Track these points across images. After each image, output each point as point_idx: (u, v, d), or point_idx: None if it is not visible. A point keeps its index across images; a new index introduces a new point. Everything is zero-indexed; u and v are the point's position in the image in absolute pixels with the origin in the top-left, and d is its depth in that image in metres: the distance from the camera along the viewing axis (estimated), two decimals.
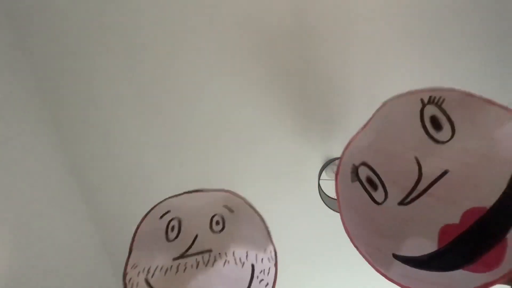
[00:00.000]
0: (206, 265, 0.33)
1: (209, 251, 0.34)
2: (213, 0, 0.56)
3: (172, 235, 0.35)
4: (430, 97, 0.32)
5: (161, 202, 0.35)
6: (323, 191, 0.61)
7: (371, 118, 0.35)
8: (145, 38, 0.59)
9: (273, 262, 0.35)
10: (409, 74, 0.56)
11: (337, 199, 0.35)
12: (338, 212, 0.34)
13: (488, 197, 0.28)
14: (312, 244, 0.64)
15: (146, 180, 0.65)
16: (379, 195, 0.34)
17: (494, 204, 0.28)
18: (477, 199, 0.29)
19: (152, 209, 0.35)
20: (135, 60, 0.60)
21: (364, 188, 0.35)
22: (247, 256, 0.34)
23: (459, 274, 0.28)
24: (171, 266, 0.33)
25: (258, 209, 0.37)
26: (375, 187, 0.35)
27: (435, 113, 0.32)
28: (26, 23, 0.59)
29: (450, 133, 0.31)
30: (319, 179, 0.61)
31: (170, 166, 0.65)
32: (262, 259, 0.35)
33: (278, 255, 0.36)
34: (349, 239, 0.33)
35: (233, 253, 0.34)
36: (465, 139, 0.31)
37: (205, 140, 0.63)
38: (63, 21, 0.59)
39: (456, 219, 0.30)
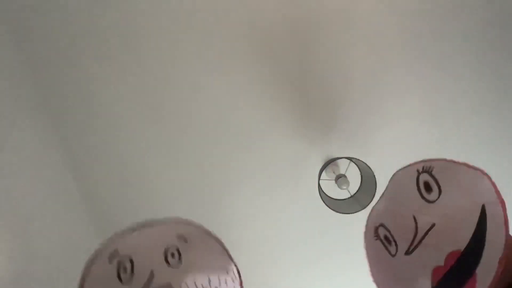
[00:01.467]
0: None
1: (169, 285, 0.32)
2: (214, 2, 0.56)
3: (125, 276, 0.32)
4: (423, 167, 0.41)
5: (106, 243, 0.33)
6: (323, 191, 0.60)
7: (386, 188, 0.46)
8: (145, 38, 0.59)
9: (238, 282, 0.35)
10: (409, 74, 0.56)
11: (366, 254, 0.45)
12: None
13: (462, 241, 0.35)
14: (312, 244, 0.64)
15: (146, 180, 0.65)
16: (392, 248, 0.42)
17: (466, 247, 0.35)
18: (455, 244, 0.36)
19: (98, 251, 0.33)
20: (135, 60, 0.60)
21: (383, 244, 0.44)
22: (209, 282, 0.34)
23: None
24: None
25: (215, 233, 0.36)
26: (389, 243, 0.43)
27: (427, 179, 0.41)
28: (26, 25, 0.59)
29: (437, 194, 0.39)
30: (319, 179, 0.61)
31: (171, 167, 0.64)
32: (225, 280, 0.35)
33: (242, 272, 0.35)
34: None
35: (195, 282, 0.33)
36: (448, 197, 0.38)
37: (205, 140, 0.63)
38: (64, 22, 0.59)
39: (441, 262, 0.36)
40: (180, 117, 0.63)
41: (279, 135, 0.63)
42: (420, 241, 0.39)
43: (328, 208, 0.64)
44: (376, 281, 0.43)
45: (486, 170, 0.36)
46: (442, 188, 0.40)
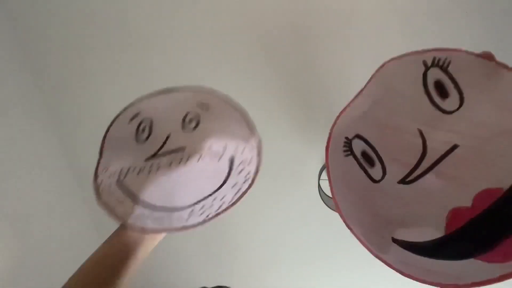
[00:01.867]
0: (179, 163, 0.31)
1: (182, 148, 0.32)
2: (214, 2, 0.56)
3: (142, 136, 0.33)
4: (434, 58, 0.27)
5: (130, 105, 0.33)
6: (323, 191, 0.60)
7: (367, 83, 0.31)
8: (145, 37, 0.59)
9: (256, 151, 0.33)
10: None
11: (328, 176, 0.30)
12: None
13: (504, 177, 0.25)
14: (312, 244, 0.64)
15: None
16: (376, 172, 0.30)
17: None
18: (492, 179, 0.25)
19: (121, 112, 0.33)
20: (135, 60, 0.60)
21: (359, 164, 0.31)
22: (225, 148, 0.33)
23: (471, 264, 0.25)
24: (144, 167, 0.31)
25: (240, 105, 0.33)
26: (371, 163, 0.30)
27: (440, 78, 0.27)
28: (25, 18, 0.59)
29: (458, 102, 0.27)
30: (319, 179, 0.61)
31: None
32: (243, 149, 0.33)
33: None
34: (348, 230, 0.28)
35: (209, 147, 0.32)
36: (476, 108, 0.26)
37: None
38: (64, 17, 0.59)
39: (467, 202, 0.26)
40: None
41: (279, 135, 0.63)
42: (430, 167, 0.28)
43: (328, 208, 0.64)
44: (344, 213, 0.29)
45: None
46: (464, 93, 0.27)
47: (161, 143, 0.32)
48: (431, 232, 0.27)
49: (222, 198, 0.32)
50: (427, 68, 0.28)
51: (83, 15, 0.59)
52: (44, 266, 0.55)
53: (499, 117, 0.26)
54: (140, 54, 0.60)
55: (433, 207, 0.27)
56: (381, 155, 0.30)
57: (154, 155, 0.32)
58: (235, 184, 0.33)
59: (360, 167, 0.31)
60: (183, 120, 0.34)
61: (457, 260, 0.25)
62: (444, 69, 0.27)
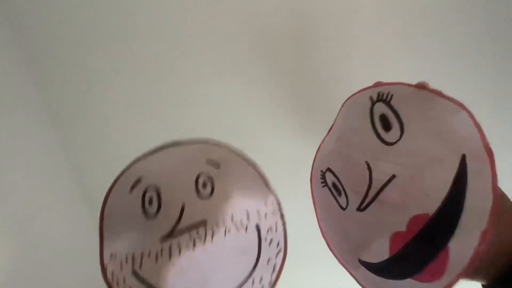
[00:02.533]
0: (204, 242, 0.26)
1: (204, 222, 0.27)
2: (213, 2, 0.57)
3: (151, 209, 0.27)
4: (378, 93, 0.31)
5: (127, 168, 0.28)
6: None
7: (334, 123, 0.35)
8: (147, 40, 0.60)
9: (278, 215, 0.30)
10: (410, 74, 0.57)
11: (313, 203, 0.36)
12: None
13: (431, 203, 0.27)
14: (312, 243, 0.64)
15: None
16: (343, 200, 0.34)
17: (436, 211, 0.26)
18: (422, 206, 0.27)
19: (117, 179, 0.28)
20: (135, 59, 0.61)
21: (331, 194, 0.35)
22: (248, 216, 0.28)
23: (409, 283, 0.28)
24: (161, 250, 0.26)
25: (248, 156, 0.31)
26: (339, 193, 0.34)
27: (384, 112, 0.30)
28: (23, 17, 0.59)
29: (399, 133, 0.30)
30: None
31: None
32: (265, 214, 0.29)
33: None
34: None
35: (232, 217, 0.28)
36: (413, 139, 0.29)
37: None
38: (63, 17, 0.59)
39: (403, 227, 0.28)
40: (181, 119, 0.64)
41: (279, 135, 0.63)
42: (374, 196, 0.30)
43: None
44: (326, 236, 0.34)
45: None
46: (404, 124, 0.29)
47: (176, 217, 0.27)
48: (381, 254, 0.30)
49: (261, 279, 0.28)
50: (373, 103, 0.31)
51: (84, 13, 0.59)
52: (44, 266, 0.55)
53: (431, 145, 0.28)
54: (140, 54, 0.61)
55: (380, 232, 0.30)
56: (344, 185, 0.34)
57: (170, 234, 0.27)
58: (269, 260, 0.29)
59: (333, 196, 0.35)
60: (196, 184, 0.29)
61: (398, 280, 0.28)
62: (387, 102, 0.30)
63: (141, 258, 0.26)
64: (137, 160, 0.28)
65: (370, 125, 0.32)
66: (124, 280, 0.25)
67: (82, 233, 0.60)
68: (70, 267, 0.55)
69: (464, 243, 0.25)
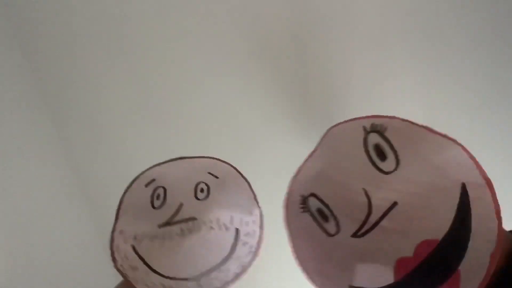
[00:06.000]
0: (191, 233, 0.33)
1: (194, 219, 0.34)
2: (214, 2, 0.56)
3: (157, 203, 0.35)
4: (372, 124, 0.32)
5: (146, 170, 0.36)
6: None
7: (317, 146, 0.35)
8: (146, 37, 0.59)
9: (258, 224, 0.36)
10: (410, 74, 0.56)
11: (287, 230, 0.34)
12: None
13: (438, 228, 0.28)
14: None
15: None
16: (331, 227, 0.33)
17: (445, 236, 0.28)
18: (429, 231, 0.28)
19: (137, 177, 0.36)
20: (135, 59, 0.61)
21: (314, 220, 0.34)
22: (231, 220, 0.35)
23: None
24: (157, 234, 0.33)
25: (245, 176, 0.37)
26: (326, 219, 0.33)
27: (378, 142, 0.31)
28: (26, 25, 0.59)
29: (394, 163, 0.31)
30: None
31: None
32: (247, 222, 0.35)
33: (264, 219, 0.36)
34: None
35: (218, 219, 0.34)
36: (410, 168, 0.30)
37: (204, 140, 0.63)
38: (63, 22, 0.59)
39: (410, 252, 0.29)
40: (181, 119, 0.63)
41: (279, 134, 0.62)
42: (376, 223, 0.30)
43: None
44: (303, 265, 0.33)
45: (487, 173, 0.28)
46: (400, 155, 0.31)
47: (173, 212, 0.34)
48: (383, 280, 0.29)
49: (227, 270, 0.34)
50: (367, 133, 0.32)
51: (85, 14, 0.59)
52: (44, 266, 0.55)
53: (430, 175, 0.29)
54: (140, 54, 0.60)
55: (382, 258, 0.30)
56: (334, 212, 0.33)
57: (167, 223, 0.34)
58: (239, 257, 0.34)
59: (316, 222, 0.34)
60: (195, 189, 0.36)
61: None
62: (381, 134, 0.31)
63: (142, 237, 0.33)
64: (155, 165, 0.37)
65: (364, 154, 0.32)
66: (124, 251, 0.32)
67: (82, 233, 0.60)
68: (70, 267, 0.55)
69: (475, 265, 0.26)
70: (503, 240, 0.25)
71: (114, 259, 0.32)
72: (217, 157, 0.38)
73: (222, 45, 0.60)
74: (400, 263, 0.29)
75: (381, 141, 0.31)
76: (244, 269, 0.34)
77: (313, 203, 0.34)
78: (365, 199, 0.31)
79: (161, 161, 0.37)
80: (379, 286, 0.30)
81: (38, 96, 0.62)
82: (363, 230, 0.31)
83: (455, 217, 0.27)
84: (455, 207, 0.28)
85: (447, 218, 0.28)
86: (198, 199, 0.36)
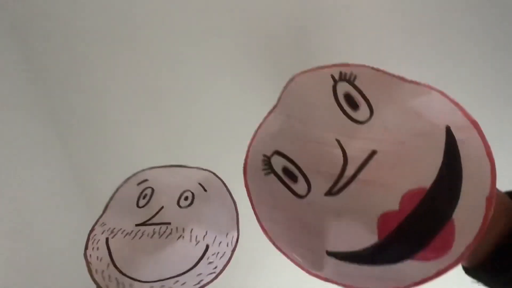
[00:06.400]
0: (160, 237, 0.33)
1: (168, 224, 0.34)
2: (214, 2, 0.56)
3: (142, 202, 0.36)
4: (340, 73, 0.29)
5: (142, 170, 0.37)
6: None
7: (279, 100, 0.31)
8: (146, 37, 0.59)
9: (231, 248, 0.35)
10: (410, 74, 0.56)
11: (249, 197, 0.29)
12: None
13: (425, 176, 0.25)
14: None
15: None
16: (300, 187, 0.29)
17: (433, 184, 0.25)
18: (414, 180, 0.25)
19: (132, 175, 0.37)
20: (135, 60, 0.60)
21: (281, 181, 0.30)
22: (204, 236, 0.34)
23: (408, 265, 0.24)
24: (132, 231, 0.34)
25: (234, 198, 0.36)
26: (294, 179, 0.29)
27: (348, 91, 0.29)
28: (27, 25, 0.59)
29: (368, 112, 0.28)
30: None
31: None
32: (220, 242, 0.35)
33: (239, 242, 0.35)
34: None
35: (191, 230, 0.34)
36: (386, 116, 0.28)
37: (204, 140, 0.63)
38: (64, 22, 0.59)
39: (394, 205, 0.26)
40: (182, 119, 0.63)
41: None
42: (353, 176, 0.27)
43: None
44: (272, 236, 0.28)
45: None
46: (373, 104, 0.28)
47: (152, 214, 0.35)
48: (364, 240, 0.26)
49: (183, 283, 0.33)
50: (335, 82, 0.29)
51: (86, 15, 0.59)
52: (44, 266, 0.55)
53: (409, 121, 0.27)
54: (140, 55, 0.60)
55: (363, 215, 0.27)
56: (303, 169, 0.29)
57: (143, 223, 0.35)
58: (200, 274, 0.33)
59: (283, 184, 0.30)
60: (180, 196, 0.37)
61: (394, 264, 0.25)
62: (351, 82, 0.29)
63: (117, 232, 0.34)
64: (151, 168, 0.38)
65: (334, 103, 0.29)
66: (97, 242, 0.33)
67: (82, 233, 0.60)
68: (70, 267, 0.55)
69: (470, 213, 0.23)
70: (495, 185, 0.23)
71: (86, 247, 0.33)
72: (215, 172, 0.38)
73: (223, 46, 0.59)
74: (383, 219, 0.26)
75: (351, 89, 0.29)
76: (202, 287, 0.33)
77: (278, 162, 0.30)
78: (339, 151, 0.28)
79: (161, 161, 0.38)
80: (361, 248, 0.26)
81: (38, 96, 0.62)
82: (338, 186, 0.28)
83: (443, 161, 0.25)
84: (442, 151, 0.25)
85: (434, 164, 0.25)
86: (180, 206, 0.36)
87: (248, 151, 0.31)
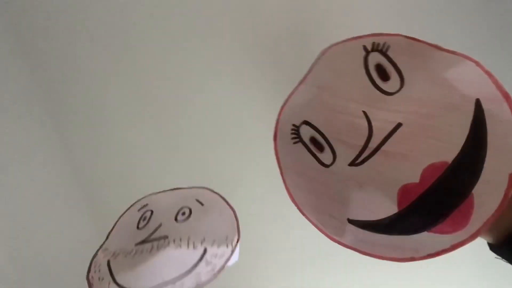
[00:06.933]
0: (158, 250, 0.35)
1: (165, 237, 0.36)
2: (214, 2, 0.56)
3: (142, 224, 0.38)
4: (373, 43, 0.29)
5: (143, 197, 0.40)
6: None
7: (310, 70, 0.32)
8: (146, 37, 0.59)
9: (231, 249, 0.36)
10: None
11: (278, 164, 0.32)
12: None
13: (448, 150, 0.25)
14: (312, 242, 0.64)
15: (146, 180, 0.65)
16: (326, 156, 0.30)
17: (456, 158, 0.25)
18: (437, 154, 0.26)
19: (135, 203, 0.40)
20: (136, 60, 0.61)
21: (308, 150, 0.31)
22: (202, 241, 0.35)
23: (425, 237, 0.25)
24: (131, 251, 0.35)
25: (231, 204, 0.38)
26: (321, 148, 0.31)
27: (380, 61, 0.29)
28: (27, 27, 0.59)
29: (399, 83, 0.28)
30: None
31: (170, 167, 0.64)
32: (219, 244, 0.36)
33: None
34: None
35: (188, 238, 0.35)
36: (416, 88, 0.28)
37: (204, 140, 0.63)
38: (65, 22, 0.59)
39: (415, 178, 0.26)
40: (181, 119, 0.63)
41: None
42: (377, 148, 0.28)
43: None
44: (298, 201, 0.31)
45: None
46: (404, 75, 0.28)
47: (151, 231, 0.37)
48: (384, 210, 0.27)
49: (180, 286, 0.35)
50: (367, 52, 0.29)
51: (86, 15, 0.59)
52: (44, 266, 0.55)
53: (439, 93, 0.27)
54: (140, 53, 0.60)
55: (384, 186, 0.28)
56: (329, 139, 0.30)
57: (143, 241, 0.36)
58: (197, 274, 0.35)
59: (310, 153, 0.31)
60: (178, 212, 0.38)
61: (412, 235, 0.26)
62: (384, 53, 0.28)
63: (118, 254, 0.35)
64: (152, 194, 0.41)
65: (365, 74, 0.29)
66: (100, 264, 0.35)
67: (81, 233, 0.60)
68: (70, 267, 0.55)
69: (491, 189, 0.23)
70: None
71: (88, 270, 0.35)
72: (210, 188, 0.40)
73: (223, 45, 0.59)
74: (404, 191, 0.27)
75: (383, 60, 0.29)
76: (198, 287, 0.35)
77: (306, 132, 0.31)
78: (365, 122, 0.29)
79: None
80: (381, 217, 0.27)
81: (39, 97, 0.62)
82: (362, 157, 0.29)
83: (468, 135, 0.25)
84: (468, 125, 0.25)
85: (459, 137, 0.25)
86: (177, 220, 0.38)
87: (278, 119, 0.32)
